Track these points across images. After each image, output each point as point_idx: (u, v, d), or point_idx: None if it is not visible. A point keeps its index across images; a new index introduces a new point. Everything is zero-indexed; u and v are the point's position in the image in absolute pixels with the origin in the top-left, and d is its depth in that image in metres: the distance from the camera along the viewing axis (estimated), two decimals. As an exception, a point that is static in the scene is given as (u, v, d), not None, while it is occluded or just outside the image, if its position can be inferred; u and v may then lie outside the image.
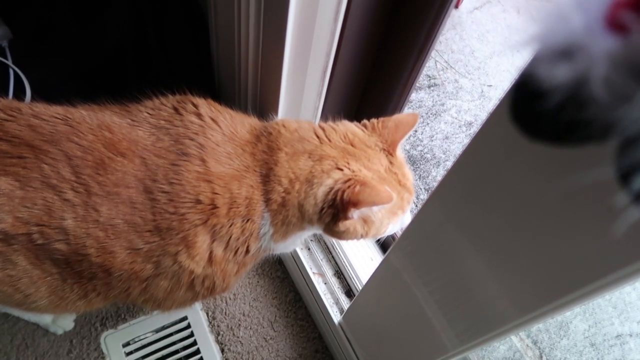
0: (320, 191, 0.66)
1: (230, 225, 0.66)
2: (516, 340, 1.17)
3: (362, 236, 0.72)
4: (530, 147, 0.27)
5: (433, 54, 1.69)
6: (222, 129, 0.69)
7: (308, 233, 0.77)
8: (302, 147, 0.69)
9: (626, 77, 0.16)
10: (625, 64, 0.16)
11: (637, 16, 0.16)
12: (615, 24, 0.16)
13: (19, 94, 1.16)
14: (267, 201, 0.68)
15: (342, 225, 0.68)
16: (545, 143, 0.22)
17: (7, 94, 1.14)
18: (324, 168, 0.67)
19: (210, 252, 0.67)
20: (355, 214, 0.67)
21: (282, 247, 0.77)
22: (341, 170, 0.67)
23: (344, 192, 0.65)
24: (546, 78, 0.18)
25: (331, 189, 0.66)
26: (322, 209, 0.67)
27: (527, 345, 1.16)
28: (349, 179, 0.66)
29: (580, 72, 0.17)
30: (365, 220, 0.70)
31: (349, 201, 0.64)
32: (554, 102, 0.18)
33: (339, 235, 0.71)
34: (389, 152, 0.73)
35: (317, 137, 0.71)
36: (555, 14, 0.17)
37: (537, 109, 0.20)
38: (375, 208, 0.68)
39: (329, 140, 0.71)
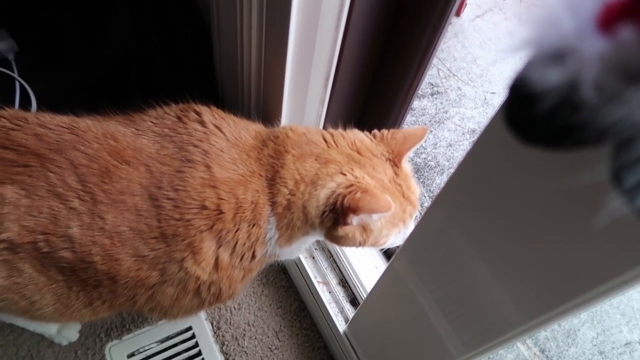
0: (323, 193, 0.67)
1: (237, 231, 0.67)
2: (523, 348, 1.15)
3: (360, 244, 0.72)
4: (529, 152, 0.27)
5: (436, 62, 1.70)
6: (225, 135, 0.70)
7: (312, 239, 0.77)
8: (310, 150, 0.70)
9: (616, 78, 0.16)
10: (616, 65, 0.16)
11: (627, 17, 0.16)
12: (606, 26, 0.16)
13: (25, 106, 1.17)
14: (273, 205, 0.68)
15: (341, 231, 0.68)
16: (541, 148, 0.22)
17: (13, 106, 1.16)
18: (328, 171, 0.68)
19: (217, 258, 0.67)
20: (354, 220, 0.67)
21: (287, 253, 0.78)
22: (345, 175, 0.68)
23: (344, 197, 0.65)
24: (539, 82, 0.18)
25: (333, 192, 0.66)
26: (324, 212, 0.67)
27: (535, 353, 1.15)
28: (351, 185, 0.66)
29: (572, 74, 0.17)
30: (364, 228, 0.70)
31: (349, 207, 0.64)
32: (547, 106, 0.19)
33: (338, 240, 0.71)
34: (395, 162, 0.73)
35: (325, 141, 0.72)
36: (547, 18, 0.17)
37: (530, 113, 0.20)
38: (374, 216, 0.68)
39: (336, 146, 0.71)
